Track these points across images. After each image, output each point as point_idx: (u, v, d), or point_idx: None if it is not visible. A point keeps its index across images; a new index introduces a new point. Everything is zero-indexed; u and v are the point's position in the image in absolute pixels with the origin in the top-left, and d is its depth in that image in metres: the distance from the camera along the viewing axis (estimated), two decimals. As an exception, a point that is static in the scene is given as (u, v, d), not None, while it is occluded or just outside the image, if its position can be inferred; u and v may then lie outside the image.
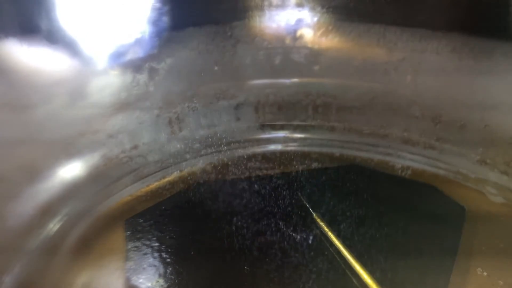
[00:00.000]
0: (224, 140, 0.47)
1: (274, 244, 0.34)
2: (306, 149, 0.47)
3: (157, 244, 0.35)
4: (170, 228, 0.36)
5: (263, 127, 0.49)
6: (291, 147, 0.47)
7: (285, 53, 0.47)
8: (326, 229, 0.34)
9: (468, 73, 0.41)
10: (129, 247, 0.34)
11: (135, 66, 0.43)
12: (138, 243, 0.35)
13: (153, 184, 0.43)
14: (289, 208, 0.37)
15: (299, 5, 0.46)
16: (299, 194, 0.39)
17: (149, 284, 0.31)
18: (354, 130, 0.47)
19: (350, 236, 0.34)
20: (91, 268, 0.33)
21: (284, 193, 0.39)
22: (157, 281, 0.31)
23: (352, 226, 0.35)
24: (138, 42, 0.43)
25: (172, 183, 0.42)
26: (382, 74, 0.45)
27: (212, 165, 0.44)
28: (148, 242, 0.35)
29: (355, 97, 0.46)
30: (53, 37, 0.38)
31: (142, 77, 0.44)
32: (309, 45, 0.47)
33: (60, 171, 0.40)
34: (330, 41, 0.46)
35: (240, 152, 0.46)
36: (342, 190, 0.39)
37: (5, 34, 0.36)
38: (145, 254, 0.34)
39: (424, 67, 0.43)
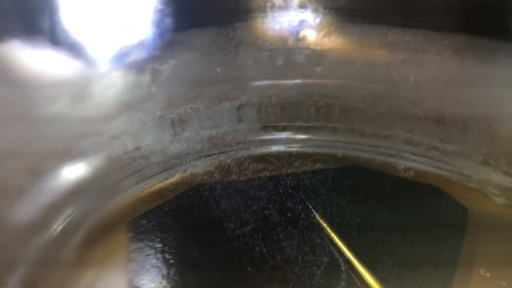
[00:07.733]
0: (226, 141, 0.47)
1: (277, 245, 0.34)
2: (308, 150, 0.47)
3: (160, 245, 0.35)
4: (173, 229, 0.36)
5: (266, 128, 0.49)
6: (294, 148, 0.47)
7: (288, 54, 0.47)
8: (329, 230, 0.34)
9: (471, 74, 0.41)
10: (132, 248, 0.34)
11: (138, 68, 0.44)
12: (141, 244, 0.35)
13: (156, 185, 0.43)
14: (292, 209, 0.37)
15: (302, 6, 0.46)
16: (302, 195, 0.39)
17: (152, 285, 0.31)
18: (357, 131, 0.47)
19: (352, 237, 0.34)
20: (94, 269, 0.33)
21: (287, 194, 0.39)
22: (160, 282, 0.31)
23: (355, 227, 0.35)
24: (141, 43, 0.43)
25: (175, 184, 0.42)
26: (385, 75, 0.45)
27: (215, 166, 0.44)
28: (151, 243, 0.35)
29: (357, 98, 0.46)
30: (56, 38, 0.39)
31: (145, 79, 0.44)
32: (312, 46, 0.47)
33: (63, 172, 0.40)
34: (332, 42, 0.46)
35: (243, 153, 0.46)
36: (344, 191, 0.39)
37: (8, 35, 0.36)
38: (148, 255, 0.34)
39: (426, 68, 0.43)
